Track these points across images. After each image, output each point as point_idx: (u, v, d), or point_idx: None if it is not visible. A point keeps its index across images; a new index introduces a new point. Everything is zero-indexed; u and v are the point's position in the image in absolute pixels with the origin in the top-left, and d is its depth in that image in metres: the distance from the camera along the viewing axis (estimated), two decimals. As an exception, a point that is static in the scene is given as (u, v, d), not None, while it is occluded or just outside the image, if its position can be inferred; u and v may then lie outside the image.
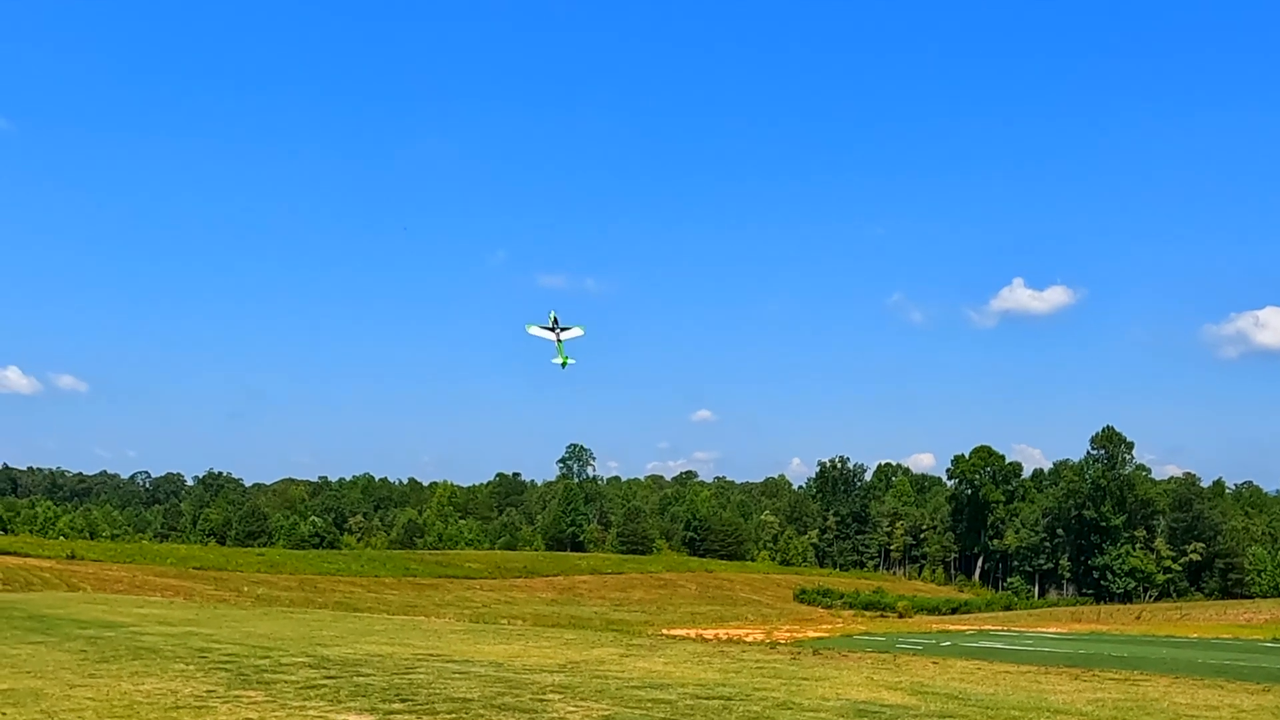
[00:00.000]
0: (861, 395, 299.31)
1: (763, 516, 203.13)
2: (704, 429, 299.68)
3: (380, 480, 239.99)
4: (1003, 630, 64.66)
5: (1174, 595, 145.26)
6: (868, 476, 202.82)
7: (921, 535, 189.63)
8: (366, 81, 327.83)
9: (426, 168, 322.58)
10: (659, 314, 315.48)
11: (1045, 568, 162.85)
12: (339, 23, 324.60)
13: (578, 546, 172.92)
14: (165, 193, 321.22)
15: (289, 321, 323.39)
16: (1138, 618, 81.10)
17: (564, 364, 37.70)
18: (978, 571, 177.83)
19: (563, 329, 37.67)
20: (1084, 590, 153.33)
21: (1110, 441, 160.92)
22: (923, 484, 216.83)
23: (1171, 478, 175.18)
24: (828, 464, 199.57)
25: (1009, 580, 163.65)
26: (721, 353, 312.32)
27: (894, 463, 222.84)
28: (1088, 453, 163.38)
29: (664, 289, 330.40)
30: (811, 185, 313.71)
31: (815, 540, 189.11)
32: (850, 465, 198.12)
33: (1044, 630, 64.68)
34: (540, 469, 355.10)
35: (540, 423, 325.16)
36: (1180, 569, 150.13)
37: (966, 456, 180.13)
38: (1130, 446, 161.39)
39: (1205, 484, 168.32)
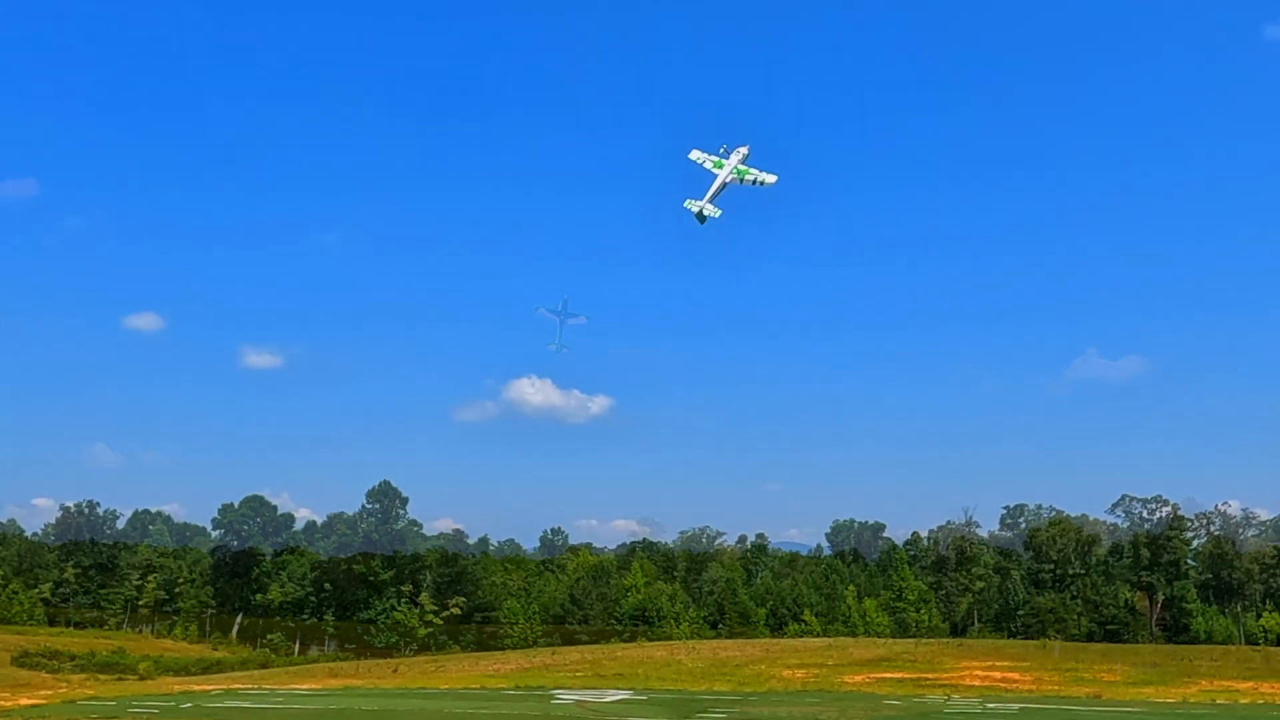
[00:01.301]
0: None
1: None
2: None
3: None
4: (253, 689, 62.30)
5: (434, 648, 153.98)
6: (120, 524, 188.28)
7: (178, 589, 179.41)
8: None
9: None
10: None
11: (310, 623, 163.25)
12: None
13: None
14: None
15: None
16: (395, 671, 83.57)
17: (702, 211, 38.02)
18: (236, 628, 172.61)
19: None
20: (347, 645, 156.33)
21: (385, 496, 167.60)
22: (185, 533, 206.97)
23: (441, 533, 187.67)
24: (71, 509, 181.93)
25: (270, 636, 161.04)
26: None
27: (152, 509, 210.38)
28: (363, 506, 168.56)
29: None
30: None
31: (48, 595, 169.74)
32: (100, 511, 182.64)
33: (297, 687, 63.32)
34: None
35: None
36: (442, 622, 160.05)
37: (235, 506, 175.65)
38: (405, 501, 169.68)
39: (472, 540, 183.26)
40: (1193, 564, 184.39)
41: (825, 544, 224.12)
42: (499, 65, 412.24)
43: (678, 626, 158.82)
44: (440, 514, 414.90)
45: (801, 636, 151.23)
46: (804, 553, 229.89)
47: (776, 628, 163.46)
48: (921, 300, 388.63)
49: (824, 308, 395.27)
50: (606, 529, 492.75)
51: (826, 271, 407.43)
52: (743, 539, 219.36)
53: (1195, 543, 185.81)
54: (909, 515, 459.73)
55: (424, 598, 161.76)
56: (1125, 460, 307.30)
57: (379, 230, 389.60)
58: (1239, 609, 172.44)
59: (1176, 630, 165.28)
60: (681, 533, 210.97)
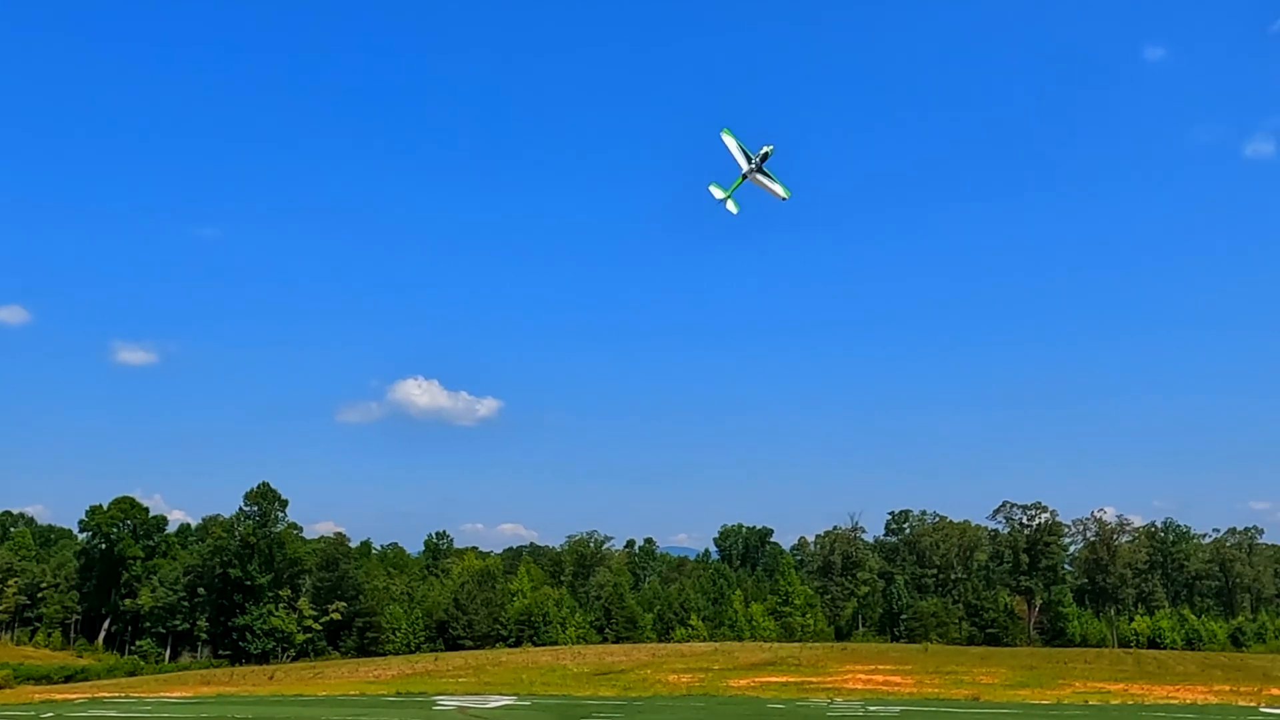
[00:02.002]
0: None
1: None
2: None
3: None
4: (121, 697, 60.21)
5: (312, 655, 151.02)
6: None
7: (40, 594, 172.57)
8: None
9: None
10: None
11: (182, 629, 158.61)
12: None
13: None
14: None
15: None
16: (271, 678, 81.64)
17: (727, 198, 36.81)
18: (103, 634, 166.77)
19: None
20: (221, 652, 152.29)
21: (264, 498, 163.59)
22: (49, 536, 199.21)
23: (322, 536, 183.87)
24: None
25: (139, 643, 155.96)
26: None
27: (15, 511, 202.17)
28: (240, 509, 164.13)
29: None
30: None
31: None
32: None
33: (167, 695, 61.40)
34: None
35: None
36: (321, 628, 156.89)
37: (105, 507, 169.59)
38: (285, 504, 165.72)
39: (354, 543, 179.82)
40: (1069, 569, 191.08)
41: (713, 549, 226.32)
42: (382, 66, 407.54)
43: (564, 631, 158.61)
44: (321, 517, 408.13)
45: (688, 641, 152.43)
46: (692, 557, 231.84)
47: (664, 632, 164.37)
48: (810, 310, 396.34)
49: (715, 316, 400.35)
50: (493, 533, 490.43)
51: (717, 282, 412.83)
52: (631, 543, 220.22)
53: (1072, 548, 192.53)
54: (796, 521, 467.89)
55: (303, 602, 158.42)
56: (1007, 468, 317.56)
57: (260, 225, 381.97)
58: (1113, 613, 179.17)
59: (1053, 633, 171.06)
60: (569, 537, 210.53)
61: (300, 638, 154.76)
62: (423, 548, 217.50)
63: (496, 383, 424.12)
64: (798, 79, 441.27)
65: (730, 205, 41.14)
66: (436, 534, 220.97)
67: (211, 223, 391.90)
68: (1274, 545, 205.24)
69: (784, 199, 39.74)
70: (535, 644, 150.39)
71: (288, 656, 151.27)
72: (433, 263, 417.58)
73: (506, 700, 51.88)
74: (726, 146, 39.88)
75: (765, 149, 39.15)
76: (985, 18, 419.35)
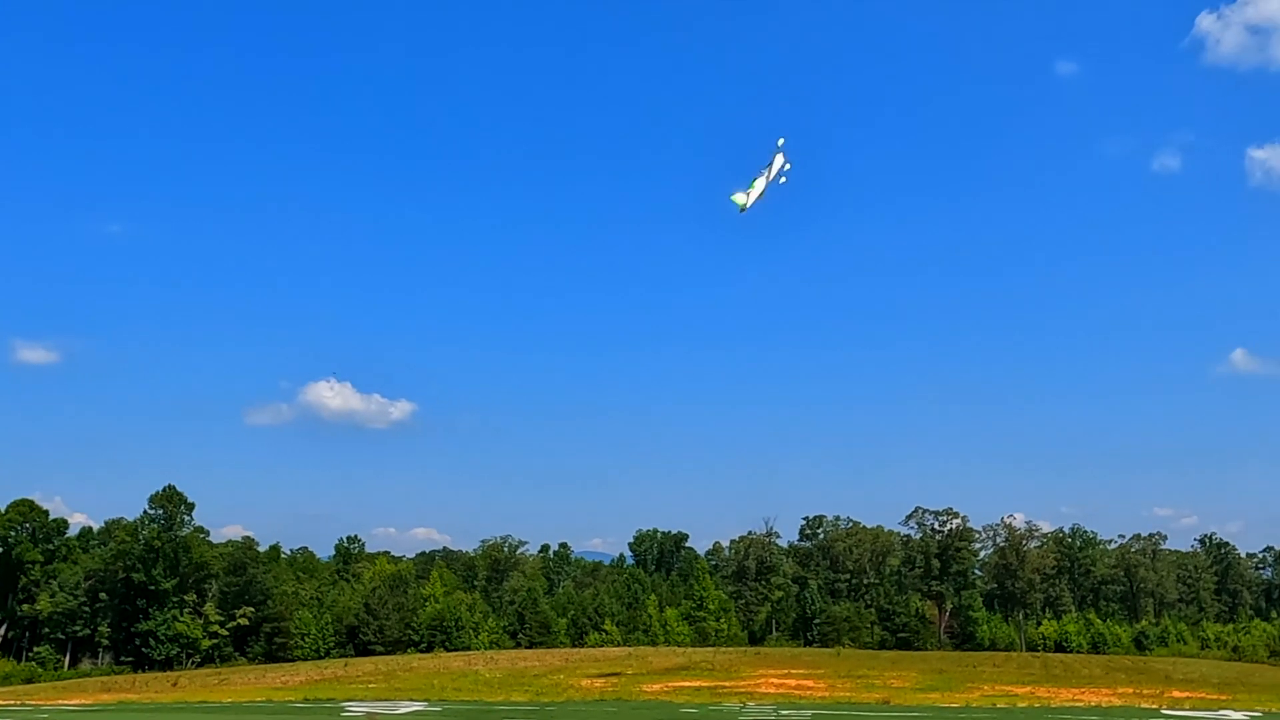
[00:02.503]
0: None
1: None
2: None
3: None
4: (16, 705, 58.63)
5: (218, 661, 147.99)
6: None
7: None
8: None
9: None
10: None
11: (82, 635, 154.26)
12: None
13: None
14: None
15: None
16: (174, 684, 80.00)
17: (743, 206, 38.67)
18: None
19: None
20: (123, 659, 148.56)
21: (170, 501, 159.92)
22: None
23: (229, 540, 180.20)
24: None
25: (37, 650, 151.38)
26: None
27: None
28: (145, 512, 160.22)
29: None
30: None
31: None
32: None
33: (66, 703, 59.88)
34: None
35: None
36: (228, 633, 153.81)
37: (2, 510, 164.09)
38: (191, 507, 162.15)
39: (263, 548, 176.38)
40: (979, 574, 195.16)
41: (628, 553, 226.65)
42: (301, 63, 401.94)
43: (477, 637, 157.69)
44: (229, 521, 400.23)
45: (602, 646, 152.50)
46: (606, 562, 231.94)
47: (577, 637, 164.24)
48: (725, 314, 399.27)
49: (633, 320, 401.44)
50: (405, 537, 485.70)
51: (633, 285, 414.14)
52: (545, 548, 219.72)
53: (982, 554, 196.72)
54: (711, 526, 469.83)
55: (209, 608, 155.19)
56: (920, 474, 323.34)
57: (168, 222, 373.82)
58: (1021, 617, 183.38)
59: (963, 637, 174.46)
60: (483, 541, 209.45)
61: (206, 644, 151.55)
62: (333, 552, 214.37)
63: (410, 385, 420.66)
64: (714, 84, 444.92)
65: (750, 198, 42.70)
66: (348, 538, 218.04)
67: (117, 219, 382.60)
68: (1176, 551, 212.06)
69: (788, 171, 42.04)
70: (448, 649, 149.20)
71: (192, 663, 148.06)
72: (346, 263, 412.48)
73: (417, 706, 51.50)
74: (773, 164, 41.76)
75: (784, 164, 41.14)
76: (902, 26, 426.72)
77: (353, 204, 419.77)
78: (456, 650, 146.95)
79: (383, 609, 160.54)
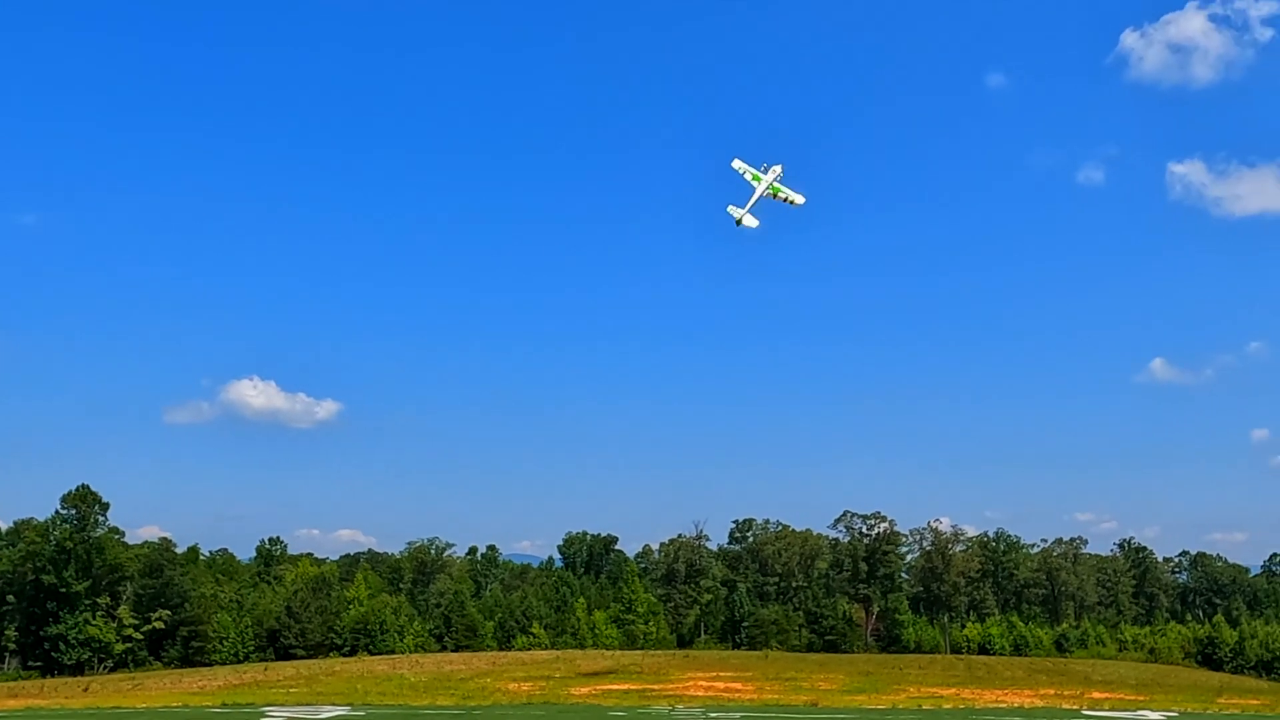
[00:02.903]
0: None
1: None
2: None
3: None
4: (-86, 712, 56.58)
5: (132, 665, 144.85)
6: None
7: None
8: None
9: None
10: None
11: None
12: None
13: None
14: None
15: None
16: (86, 690, 78.11)
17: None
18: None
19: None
20: (32, 663, 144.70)
21: (83, 501, 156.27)
22: None
23: (146, 542, 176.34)
24: None
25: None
26: None
27: None
28: (56, 512, 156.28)
29: None
30: None
31: None
32: None
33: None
34: None
35: None
36: (142, 637, 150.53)
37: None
38: (106, 507, 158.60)
39: (181, 549, 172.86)
40: (906, 577, 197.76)
41: (557, 556, 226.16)
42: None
43: (402, 640, 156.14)
44: (146, 521, 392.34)
45: (530, 649, 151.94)
46: (535, 565, 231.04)
47: (505, 640, 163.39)
48: (654, 315, 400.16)
49: (565, 319, 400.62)
50: (330, 539, 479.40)
51: (564, 283, 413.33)
52: (473, 550, 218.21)
53: (909, 557, 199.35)
54: (641, 528, 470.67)
55: (123, 611, 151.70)
56: (849, 478, 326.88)
57: (85, 213, 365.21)
58: (946, 619, 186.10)
59: (889, 640, 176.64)
60: (409, 543, 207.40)
61: (119, 648, 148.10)
62: (254, 554, 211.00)
63: (336, 385, 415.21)
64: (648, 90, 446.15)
65: (749, 220, 43.34)
66: (269, 540, 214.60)
67: (31, 209, 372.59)
68: (1097, 555, 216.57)
69: (800, 204, 42.43)
70: (372, 653, 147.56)
71: (105, 668, 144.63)
72: (271, 258, 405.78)
73: (340, 711, 50.81)
74: (739, 173, 42.27)
75: (776, 168, 41.50)
76: (838, 37, 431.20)
77: (277, 197, 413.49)
78: (381, 654, 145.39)
79: (305, 612, 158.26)
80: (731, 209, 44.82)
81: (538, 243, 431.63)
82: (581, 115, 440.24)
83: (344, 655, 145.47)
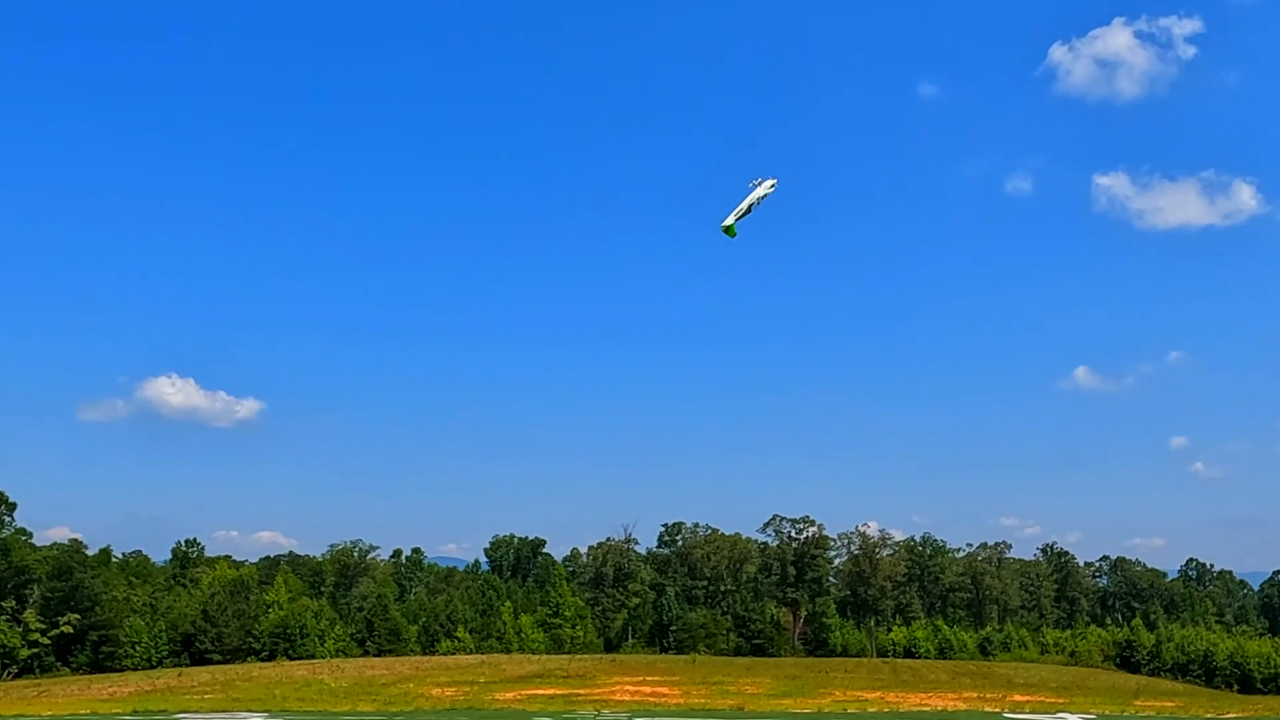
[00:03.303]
0: None
1: None
2: None
3: None
4: None
5: (39, 671, 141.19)
6: None
7: None
8: None
9: None
10: None
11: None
12: None
13: None
14: None
15: None
16: (-11, 697, 75.75)
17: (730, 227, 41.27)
18: None
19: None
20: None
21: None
22: None
23: (55, 544, 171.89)
24: None
25: None
26: None
27: None
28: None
29: None
30: None
31: None
32: None
33: None
34: None
35: None
36: (50, 642, 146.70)
37: None
38: (13, 507, 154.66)
39: (92, 551, 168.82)
40: (834, 581, 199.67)
41: (484, 559, 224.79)
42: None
43: (322, 644, 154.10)
44: (55, 522, 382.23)
45: (454, 654, 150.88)
46: (461, 568, 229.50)
47: (429, 645, 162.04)
48: (584, 317, 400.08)
49: (490, 319, 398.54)
50: (249, 541, 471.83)
51: (491, 283, 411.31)
52: (398, 553, 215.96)
53: (837, 561, 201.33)
54: (569, 532, 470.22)
55: (29, 615, 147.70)
56: (778, 481, 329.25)
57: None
58: (873, 623, 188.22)
59: (816, 644, 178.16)
60: (331, 546, 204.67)
61: (25, 653, 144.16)
62: (170, 556, 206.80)
63: (258, 383, 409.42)
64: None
65: (731, 222, 43.67)
66: (186, 541, 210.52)
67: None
68: (1020, 559, 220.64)
69: (772, 188, 43.23)
70: (291, 658, 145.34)
71: (9, 674, 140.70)
72: (192, 254, 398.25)
73: (256, 717, 49.93)
74: (744, 202, 42.86)
75: (771, 180, 42.31)
76: (777, 39, 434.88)
77: (196, 191, 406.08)
78: (301, 659, 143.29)
79: (222, 616, 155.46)
80: (726, 226, 44.81)
81: (464, 242, 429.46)
82: (504, 114, 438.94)
83: (262, 660, 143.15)
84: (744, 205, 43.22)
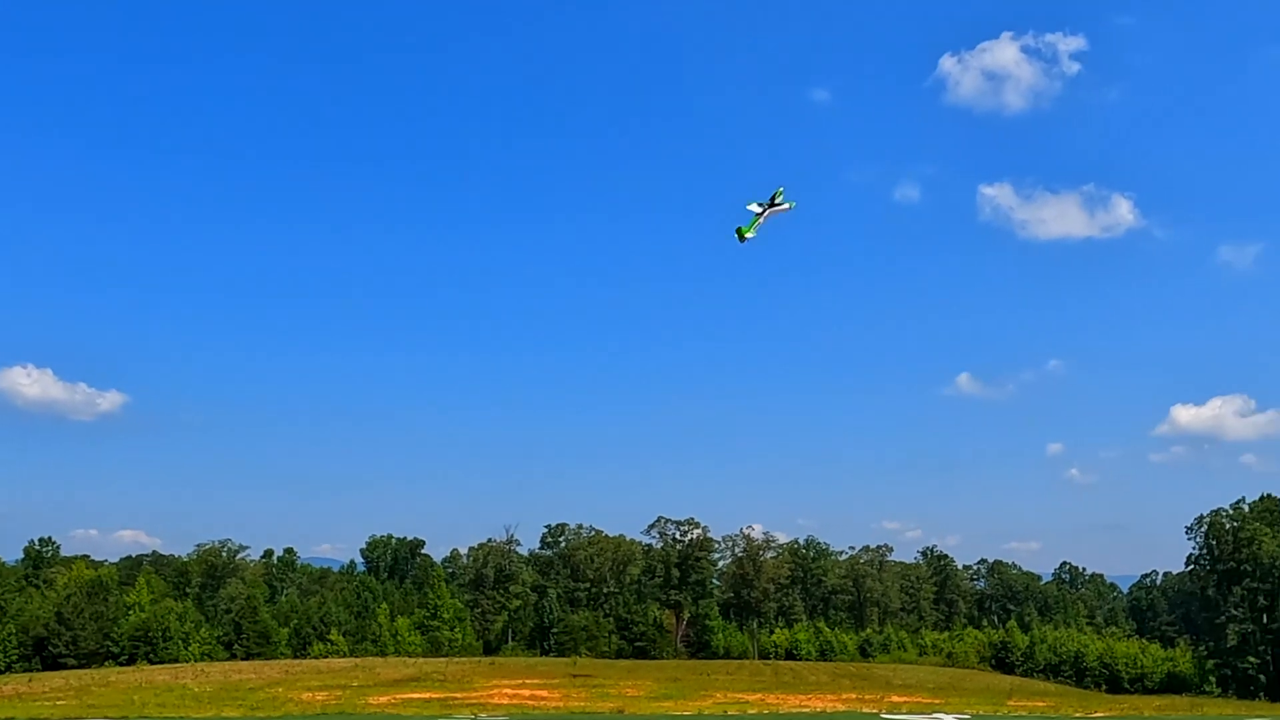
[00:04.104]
0: None
1: None
2: None
3: None
4: None
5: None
6: None
7: None
8: None
9: None
10: None
11: None
12: None
13: None
14: None
15: None
16: None
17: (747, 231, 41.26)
18: None
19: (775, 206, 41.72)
20: None
21: None
22: None
23: None
24: None
25: None
26: None
27: None
28: None
29: None
30: None
31: None
32: None
33: None
34: None
35: None
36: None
37: None
38: None
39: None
40: (717, 583, 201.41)
41: (360, 560, 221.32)
42: None
43: (186, 648, 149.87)
44: None
45: (327, 657, 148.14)
46: (336, 569, 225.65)
47: (300, 648, 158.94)
48: (463, 314, 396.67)
49: (362, 315, 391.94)
50: (109, 540, 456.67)
51: (365, 279, 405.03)
52: (269, 553, 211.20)
53: (721, 563, 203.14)
54: (449, 532, 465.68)
55: None
56: (663, 484, 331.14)
57: None
58: (755, 625, 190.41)
59: (699, 646, 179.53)
60: (198, 545, 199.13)
61: None
62: (21, 555, 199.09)
63: (122, 375, 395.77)
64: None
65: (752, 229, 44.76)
66: (40, 540, 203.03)
67: None
68: (901, 562, 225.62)
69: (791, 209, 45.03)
70: (152, 662, 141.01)
71: None
72: (51, 238, 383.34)
73: (113, 724, 48.30)
74: (754, 213, 44.14)
75: (778, 194, 43.39)
76: (672, 40, 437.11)
77: (56, 171, 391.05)
78: (163, 663, 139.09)
79: (78, 618, 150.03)
80: (744, 233, 45.63)
81: (340, 236, 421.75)
82: (381, 114, 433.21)
83: (122, 665, 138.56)
84: (763, 216, 44.55)
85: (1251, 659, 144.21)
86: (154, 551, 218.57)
